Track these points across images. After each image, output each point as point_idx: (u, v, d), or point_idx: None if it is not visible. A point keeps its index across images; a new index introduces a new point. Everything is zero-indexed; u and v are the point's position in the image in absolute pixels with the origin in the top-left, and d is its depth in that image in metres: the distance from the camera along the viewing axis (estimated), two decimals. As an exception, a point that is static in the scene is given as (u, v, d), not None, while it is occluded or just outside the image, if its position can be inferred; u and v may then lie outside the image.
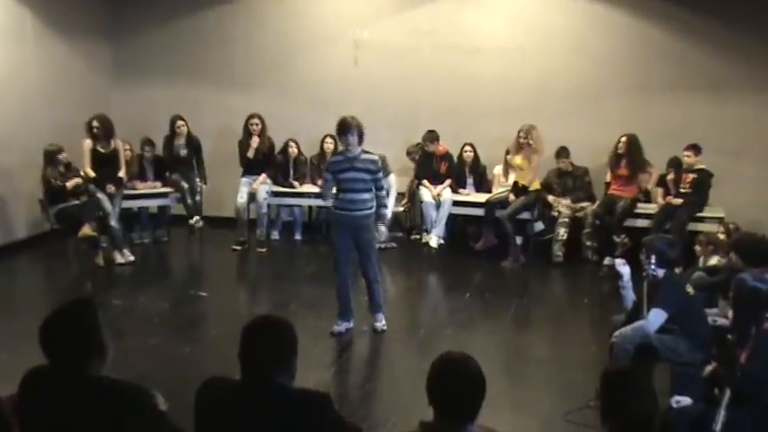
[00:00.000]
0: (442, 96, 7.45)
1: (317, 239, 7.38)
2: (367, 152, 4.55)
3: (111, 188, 6.52)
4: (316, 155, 7.47)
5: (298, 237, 7.53)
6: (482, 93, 7.36)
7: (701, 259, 5.03)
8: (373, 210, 4.58)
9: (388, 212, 4.74)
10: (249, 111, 7.15)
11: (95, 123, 6.46)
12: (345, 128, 4.40)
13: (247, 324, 2.15)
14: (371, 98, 7.42)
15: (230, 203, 7.26)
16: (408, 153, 7.36)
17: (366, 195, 4.54)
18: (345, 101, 7.31)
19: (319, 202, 6.91)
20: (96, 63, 7.89)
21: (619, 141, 6.47)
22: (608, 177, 6.66)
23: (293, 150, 7.36)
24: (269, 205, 7.24)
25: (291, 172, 7.38)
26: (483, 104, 7.34)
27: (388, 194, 4.89)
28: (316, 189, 6.98)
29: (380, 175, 4.58)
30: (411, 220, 7.62)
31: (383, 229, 4.55)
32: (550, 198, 6.79)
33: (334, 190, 4.65)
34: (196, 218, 7.07)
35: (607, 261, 6.29)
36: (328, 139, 7.29)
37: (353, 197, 4.51)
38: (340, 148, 4.56)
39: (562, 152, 6.85)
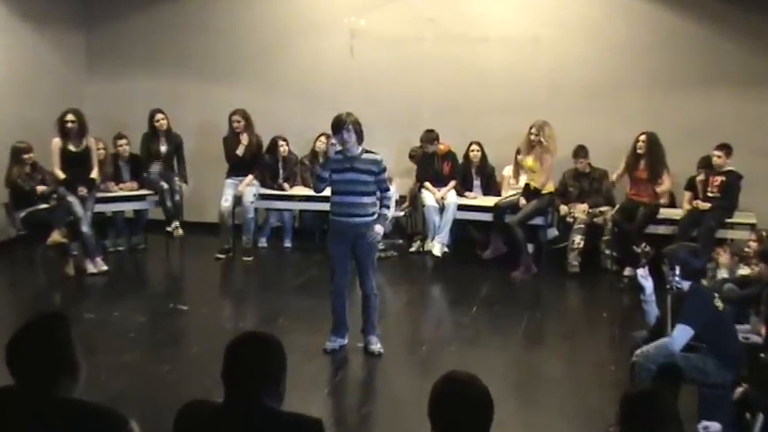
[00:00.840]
0: (445, 91, 7.45)
1: (309, 247, 7.38)
2: (369, 151, 4.53)
3: (82, 190, 6.50)
4: (307, 155, 7.50)
5: (287, 244, 7.53)
6: (490, 87, 7.37)
7: (722, 270, 5.01)
8: (374, 216, 4.55)
9: (389, 213, 4.71)
10: (234, 105, 7.15)
11: (70, 118, 6.41)
12: (339, 125, 4.38)
13: (232, 341, 2.15)
14: (368, 92, 7.42)
15: (213, 207, 7.25)
16: (411, 156, 7.38)
17: (366, 199, 4.51)
18: (340, 95, 7.34)
19: (312, 206, 6.96)
20: (68, 53, 7.88)
21: (638, 140, 6.43)
22: (614, 177, 6.64)
23: (283, 149, 7.33)
24: (256, 209, 7.21)
25: (281, 173, 7.36)
26: (491, 100, 7.34)
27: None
28: (307, 191, 6.96)
29: (384, 176, 4.55)
30: (412, 225, 7.63)
31: (379, 228, 4.49)
32: (563, 208, 6.78)
33: (327, 191, 4.63)
34: (175, 224, 7.06)
35: (627, 272, 6.29)
36: (322, 138, 7.26)
37: (352, 201, 4.47)
38: (335, 148, 4.53)
39: (580, 151, 6.83)
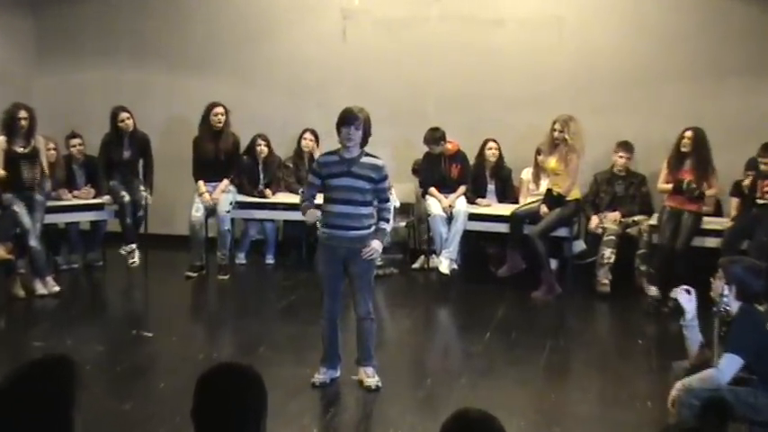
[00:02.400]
0: (453, 81, 7.49)
1: (295, 264, 7.43)
2: (369, 155, 4.55)
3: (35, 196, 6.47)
4: (291, 156, 7.55)
5: (269, 260, 7.60)
6: (505, 76, 7.41)
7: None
8: (372, 229, 4.55)
9: (388, 227, 4.73)
10: (207, 99, 7.18)
11: (23, 114, 6.36)
12: (350, 119, 4.39)
13: (204, 373, 2.15)
14: (363, 84, 7.44)
15: (183, 218, 7.29)
16: (415, 170, 7.44)
17: (364, 210, 4.52)
18: (329, 87, 7.49)
19: (297, 216, 6.95)
20: (14, 41, 7.91)
21: (682, 137, 6.42)
22: (661, 183, 6.65)
23: (262, 149, 7.38)
24: (233, 220, 7.25)
25: (261, 177, 7.41)
26: (507, 91, 7.39)
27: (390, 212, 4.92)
28: (293, 199, 6.94)
29: (385, 184, 4.57)
30: (416, 238, 7.68)
31: (376, 244, 4.50)
32: (593, 219, 6.81)
33: (318, 199, 4.63)
34: (131, 247, 7.01)
35: (654, 291, 6.35)
36: (307, 135, 7.39)
37: (348, 211, 4.49)
38: (324, 148, 4.59)
39: (623, 147, 6.82)
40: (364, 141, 4.51)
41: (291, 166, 7.48)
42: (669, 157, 6.54)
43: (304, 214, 4.61)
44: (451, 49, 7.47)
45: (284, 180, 7.46)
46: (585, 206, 6.90)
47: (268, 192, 7.35)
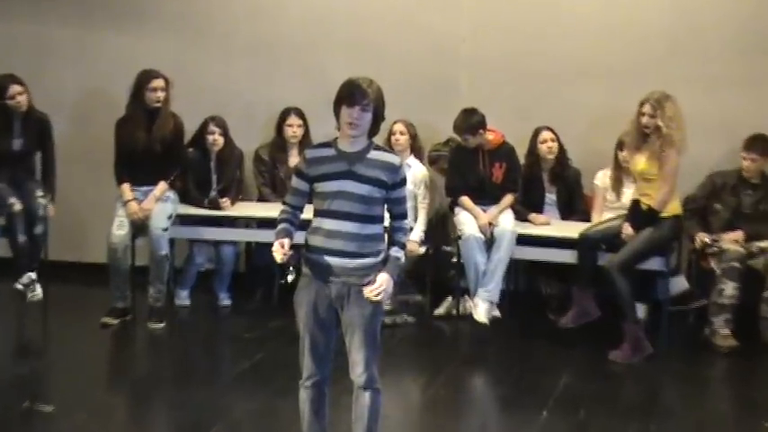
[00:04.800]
0: (496, 41, 7.58)
1: (263, 306, 7.44)
2: (381, 148, 4.53)
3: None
4: (266, 146, 7.62)
5: (225, 301, 7.62)
6: (573, 35, 7.50)
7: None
8: (380, 258, 4.50)
9: (403, 256, 4.62)
10: (139, 66, 7.13)
11: None
12: (356, 96, 4.35)
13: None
14: (365, 45, 7.55)
15: (99, 238, 7.26)
16: (433, 161, 7.61)
17: (370, 229, 4.47)
18: (317, 50, 7.64)
19: (268, 236, 6.83)
20: None
21: None
22: None
23: (216, 139, 7.37)
24: (172, 242, 7.24)
25: (214, 179, 7.43)
26: (574, 57, 7.46)
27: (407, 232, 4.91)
28: (264, 211, 7.05)
29: (403, 192, 4.51)
30: (440, 270, 7.61)
31: (386, 280, 4.42)
32: (700, 239, 6.81)
33: (303, 213, 4.59)
34: (29, 277, 6.99)
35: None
36: (292, 119, 7.47)
37: (346, 230, 4.43)
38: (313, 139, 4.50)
39: (754, 144, 6.91)
40: (374, 129, 4.44)
41: (267, 163, 7.57)
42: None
43: (274, 248, 4.45)
44: (491, 2, 7.63)
45: (257, 185, 7.58)
46: (690, 224, 6.89)
47: (224, 201, 7.34)
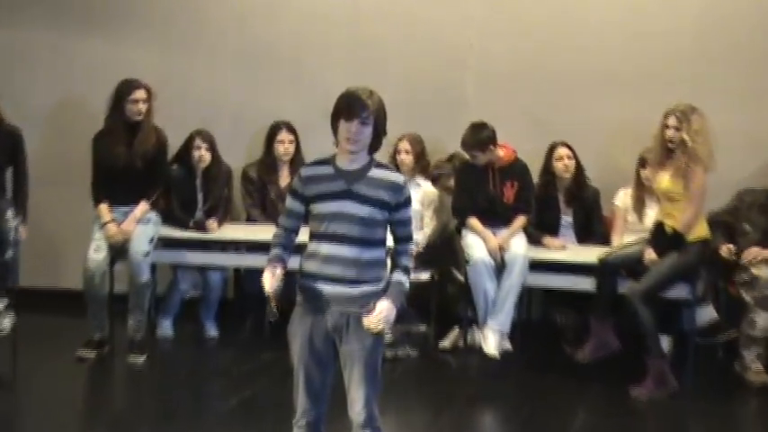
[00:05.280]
0: (505, 51, 7.60)
1: (254, 338, 7.42)
2: (382, 166, 4.51)
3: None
4: (254, 164, 7.61)
5: (212, 332, 7.60)
6: (587, 45, 7.52)
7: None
8: (382, 285, 4.48)
9: (407, 281, 4.67)
10: (119, 75, 7.12)
11: None
12: (355, 108, 4.34)
13: None
14: (370, 54, 7.62)
15: (75, 263, 7.27)
16: (435, 179, 7.59)
17: (370, 253, 4.45)
18: (312, 56, 7.67)
19: (260, 261, 6.79)
20: None
21: None
22: None
23: (203, 155, 7.37)
24: (154, 267, 7.22)
25: (200, 198, 7.43)
26: (590, 68, 7.48)
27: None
28: (254, 234, 7.05)
29: (408, 213, 4.50)
30: (446, 300, 7.60)
31: (388, 309, 4.38)
32: (727, 249, 6.80)
33: (298, 234, 4.57)
34: None
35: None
36: (283, 135, 7.46)
37: (344, 254, 4.41)
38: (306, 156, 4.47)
39: None
40: (376, 144, 4.42)
41: (255, 181, 7.55)
42: None
43: (264, 276, 4.47)
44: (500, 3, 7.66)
45: (244, 206, 7.57)
46: (715, 236, 6.84)
47: (211, 222, 7.34)
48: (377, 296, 4.41)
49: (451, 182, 7.44)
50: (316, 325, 4.44)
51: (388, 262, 4.55)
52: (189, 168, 7.37)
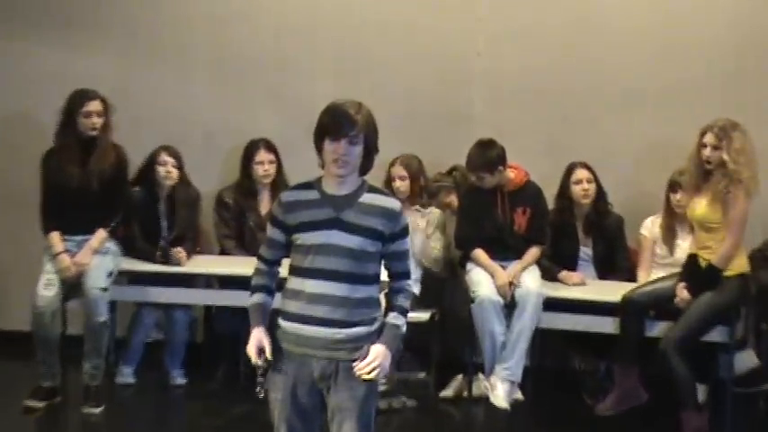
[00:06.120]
0: (516, 60, 7.63)
1: (227, 387, 7.37)
2: (376, 190, 4.52)
3: None
4: (230, 188, 7.63)
5: (179, 379, 7.54)
6: (611, 54, 7.56)
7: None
8: (375, 326, 4.47)
9: (403, 323, 4.68)
10: (72, 84, 7.10)
11: None
12: (342, 125, 4.33)
13: None
14: (362, 62, 7.67)
15: (21, 301, 7.23)
16: (433, 194, 7.59)
17: (362, 291, 4.43)
18: (302, 69, 7.70)
19: (233, 298, 6.91)
20: None
21: None
22: None
23: (169, 173, 7.35)
24: (113, 305, 7.13)
25: (164, 226, 7.43)
26: (614, 80, 7.51)
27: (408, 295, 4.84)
28: (231, 267, 7.09)
29: (405, 244, 4.51)
30: (448, 343, 7.60)
31: (382, 354, 4.39)
32: None
33: (281, 265, 4.58)
34: None
35: None
36: (262, 154, 7.45)
37: (331, 293, 4.40)
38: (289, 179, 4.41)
39: None
40: (367, 164, 4.43)
41: (232, 206, 7.50)
42: None
43: (250, 343, 4.49)
44: (513, 6, 7.68)
45: (216, 235, 7.56)
46: (763, 274, 6.88)
47: (179, 252, 7.28)
48: (370, 339, 4.40)
49: (452, 197, 7.47)
50: (300, 373, 4.40)
51: (383, 300, 4.51)
52: (151, 190, 7.35)
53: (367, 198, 4.41)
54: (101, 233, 7.01)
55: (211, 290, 7.44)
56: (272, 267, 4.54)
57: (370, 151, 4.39)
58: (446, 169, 7.63)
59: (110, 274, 7.00)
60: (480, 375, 7.02)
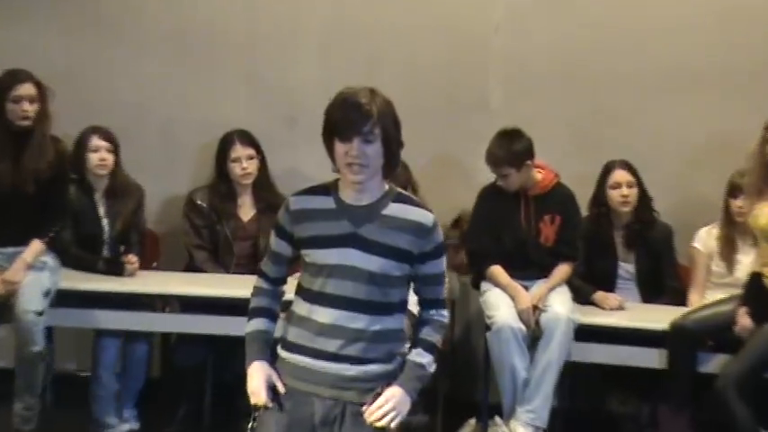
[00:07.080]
0: (540, 37, 7.75)
1: (186, 430, 7.32)
2: (405, 198, 4.48)
3: None
4: (203, 189, 7.58)
5: (129, 423, 7.36)
6: (656, 31, 7.64)
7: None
8: (394, 364, 4.41)
9: (430, 363, 4.63)
10: (10, 65, 7.04)
11: None
12: (354, 122, 4.26)
13: None
14: (355, 39, 7.76)
15: None
16: (456, 222, 7.75)
17: (383, 323, 4.39)
18: (285, 47, 7.77)
19: (202, 326, 7.04)
20: None
21: None
22: None
23: (104, 158, 7.26)
24: (50, 331, 7.00)
25: (105, 226, 7.39)
26: (660, 63, 7.59)
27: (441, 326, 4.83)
28: (199, 286, 7.06)
29: (436, 266, 4.45)
30: (459, 380, 7.69)
31: (399, 397, 4.36)
32: None
33: (286, 283, 4.55)
34: None
35: None
36: (238, 150, 7.35)
37: (344, 323, 4.36)
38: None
39: None
40: (392, 164, 4.38)
41: (206, 211, 7.44)
42: None
43: (250, 381, 4.47)
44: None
45: (185, 242, 7.51)
46: None
47: (131, 258, 7.23)
48: (386, 379, 4.36)
49: (462, 256, 7.44)
50: (297, 415, 4.36)
51: (408, 331, 4.51)
52: (82, 184, 7.27)
53: (392, 209, 4.36)
54: (36, 245, 6.86)
55: (171, 314, 7.25)
56: (275, 286, 4.54)
57: (391, 147, 4.30)
58: (461, 176, 7.69)
59: (47, 294, 6.82)
60: (497, 419, 6.95)
